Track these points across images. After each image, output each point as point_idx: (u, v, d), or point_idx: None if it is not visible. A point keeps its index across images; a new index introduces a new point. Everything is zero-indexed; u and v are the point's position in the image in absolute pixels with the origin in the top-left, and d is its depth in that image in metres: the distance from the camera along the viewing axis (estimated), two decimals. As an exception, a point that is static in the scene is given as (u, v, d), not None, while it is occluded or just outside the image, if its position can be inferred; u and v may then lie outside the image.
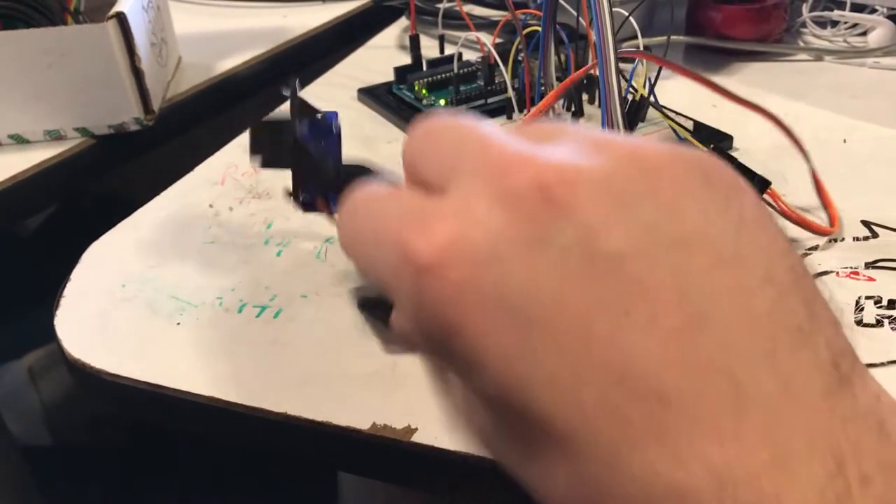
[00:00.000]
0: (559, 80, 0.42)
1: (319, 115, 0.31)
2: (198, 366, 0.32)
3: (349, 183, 0.29)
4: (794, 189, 0.40)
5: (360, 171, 0.30)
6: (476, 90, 0.49)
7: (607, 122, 0.32)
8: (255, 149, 0.30)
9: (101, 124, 0.50)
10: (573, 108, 0.44)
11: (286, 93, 0.31)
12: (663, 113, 0.42)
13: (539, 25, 0.42)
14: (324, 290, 0.35)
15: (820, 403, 0.15)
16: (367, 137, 0.49)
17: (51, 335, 0.34)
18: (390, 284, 0.18)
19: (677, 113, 0.46)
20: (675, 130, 0.42)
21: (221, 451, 0.68)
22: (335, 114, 0.32)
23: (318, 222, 0.39)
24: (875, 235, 0.37)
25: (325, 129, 0.31)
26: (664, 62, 0.36)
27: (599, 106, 0.47)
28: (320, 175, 0.30)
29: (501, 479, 0.27)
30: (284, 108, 0.31)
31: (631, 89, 0.43)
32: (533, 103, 0.42)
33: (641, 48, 0.44)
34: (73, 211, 0.77)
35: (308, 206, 0.31)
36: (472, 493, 0.30)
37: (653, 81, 0.42)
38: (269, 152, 0.30)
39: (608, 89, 0.31)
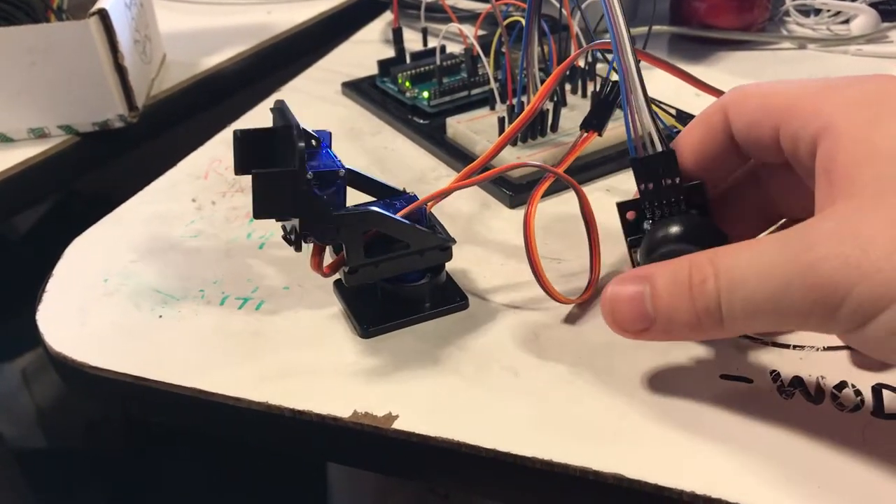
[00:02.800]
0: (541, 70, 0.42)
1: (314, 141, 0.30)
2: (180, 358, 0.32)
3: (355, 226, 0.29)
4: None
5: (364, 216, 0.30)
6: (459, 82, 0.49)
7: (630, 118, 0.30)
8: (262, 200, 0.29)
9: (86, 122, 0.50)
10: (556, 98, 0.44)
11: (274, 114, 0.30)
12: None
13: (520, 16, 0.42)
14: (306, 282, 0.35)
15: None
16: (351, 131, 0.49)
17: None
18: None
19: (661, 102, 0.46)
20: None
21: (215, 455, 0.68)
22: (328, 133, 0.31)
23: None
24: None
25: (330, 178, 0.30)
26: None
27: (584, 97, 0.47)
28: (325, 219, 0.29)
29: (481, 464, 0.27)
30: (265, 109, 0.30)
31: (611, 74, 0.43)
32: (514, 95, 0.42)
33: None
34: (64, 211, 0.76)
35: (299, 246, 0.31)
36: (453, 479, 0.30)
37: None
38: (274, 203, 0.29)
39: (628, 82, 0.30)
